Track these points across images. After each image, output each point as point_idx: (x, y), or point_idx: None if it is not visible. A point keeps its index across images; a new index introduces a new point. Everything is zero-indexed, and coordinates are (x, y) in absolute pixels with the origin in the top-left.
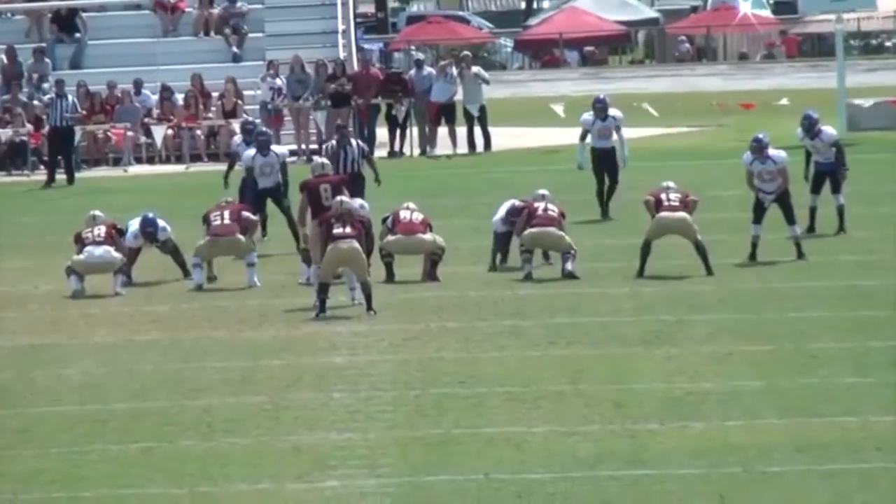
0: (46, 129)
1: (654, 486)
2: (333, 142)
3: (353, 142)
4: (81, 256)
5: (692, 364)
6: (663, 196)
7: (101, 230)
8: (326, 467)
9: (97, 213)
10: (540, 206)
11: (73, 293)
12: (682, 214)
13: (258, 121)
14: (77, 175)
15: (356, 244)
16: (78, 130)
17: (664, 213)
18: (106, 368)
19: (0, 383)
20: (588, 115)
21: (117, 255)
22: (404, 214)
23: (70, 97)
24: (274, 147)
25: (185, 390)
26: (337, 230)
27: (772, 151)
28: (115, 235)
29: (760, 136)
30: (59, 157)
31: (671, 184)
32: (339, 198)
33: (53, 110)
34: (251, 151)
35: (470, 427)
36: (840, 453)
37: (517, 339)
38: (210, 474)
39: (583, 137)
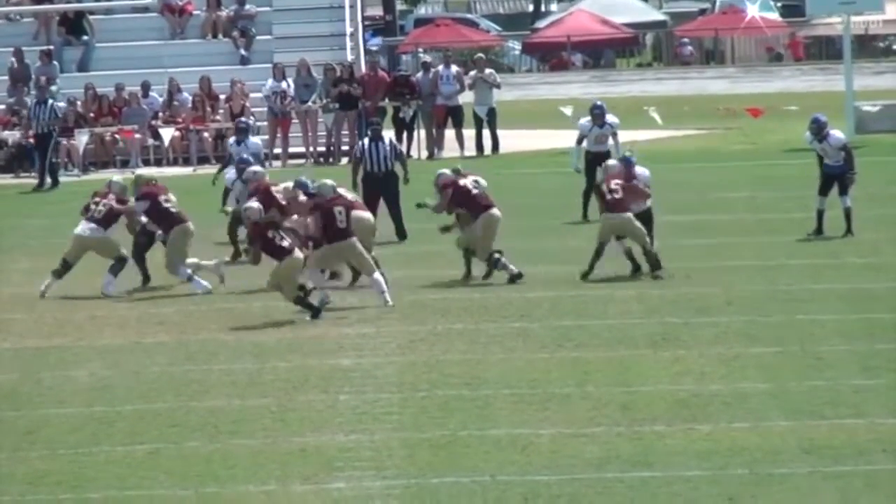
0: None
1: (661, 487)
2: (366, 139)
3: (386, 139)
4: (76, 230)
5: (699, 366)
6: (604, 187)
7: (103, 208)
8: (333, 469)
9: (117, 178)
10: (467, 182)
11: (43, 289)
12: (625, 216)
13: (250, 120)
14: (84, 177)
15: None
16: (86, 133)
17: (607, 215)
18: (112, 370)
19: (7, 385)
20: (586, 121)
21: (107, 236)
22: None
23: (50, 102)
24: None
25: (191, 392)
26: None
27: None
28: (121, 207)
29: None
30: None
31: (612, 162)
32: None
33: (34, 116)
34: (234, 174)
35: (476, 429)
36: (847, 455)
37: (524, 341)
38: (216, 475)
39: (579, 141)
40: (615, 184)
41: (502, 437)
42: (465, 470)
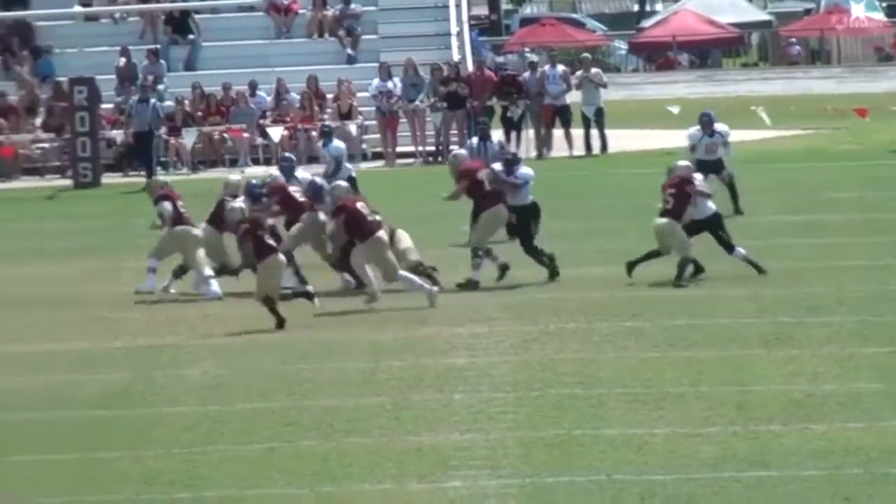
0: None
1: (778, 487)
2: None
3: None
4: (194, 230)
5: (812, 366)
6: (662, 195)
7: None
8: (448, 468)
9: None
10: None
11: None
12: (666, 222)
13: (331, 123)
14: (193, 176)
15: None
16: (194, 132)
17: (656, 219)
18: (225, 369)
19: (120, 384)
20: (695, 130)
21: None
22: None
23: (153, 101)
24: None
25: (304, 391)
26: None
27: None
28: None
29: None
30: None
31: (682, 163)
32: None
33: (135, 114)
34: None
35: (591, 428)
36: None
37: (637, 340)
38: (332, 474)
39: (691, 150)
40: (669, 193)
41: (617, 437)
42: (580, 469)
